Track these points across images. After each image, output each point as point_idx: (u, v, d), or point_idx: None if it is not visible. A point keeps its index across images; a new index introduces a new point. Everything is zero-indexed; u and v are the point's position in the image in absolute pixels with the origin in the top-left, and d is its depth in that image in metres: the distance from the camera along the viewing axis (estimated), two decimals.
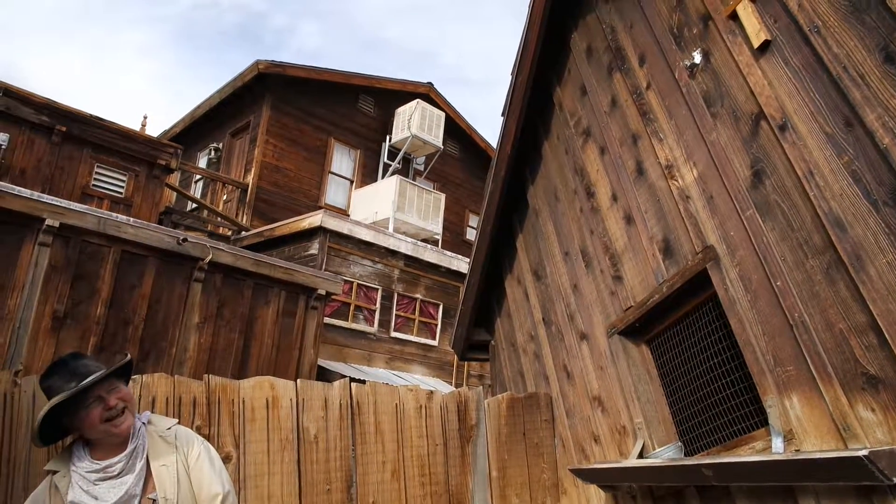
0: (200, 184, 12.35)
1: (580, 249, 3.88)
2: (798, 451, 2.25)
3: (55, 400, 1.98)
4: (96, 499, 1.96)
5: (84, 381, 2.01)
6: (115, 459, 2.01)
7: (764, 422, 2.54)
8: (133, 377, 2.81)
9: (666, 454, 3.02)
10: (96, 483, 1.98)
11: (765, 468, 2.22)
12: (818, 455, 2.03)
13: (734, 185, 2.63)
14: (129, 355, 2.21)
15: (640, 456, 3.16)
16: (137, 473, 2.02)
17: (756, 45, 2.48)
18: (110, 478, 1.99)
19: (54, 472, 2.04)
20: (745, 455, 2.52)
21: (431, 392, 3.79)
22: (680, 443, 3.08)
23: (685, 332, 3.07)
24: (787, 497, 2.29)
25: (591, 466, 3.40)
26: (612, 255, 3.54)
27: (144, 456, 2.07)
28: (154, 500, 2.00)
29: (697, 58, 2.87)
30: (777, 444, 2.35)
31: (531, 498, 3.86)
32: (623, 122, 3.44)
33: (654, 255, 3.15)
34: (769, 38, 2.43)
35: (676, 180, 2.99)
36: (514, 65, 4.21)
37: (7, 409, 2.72)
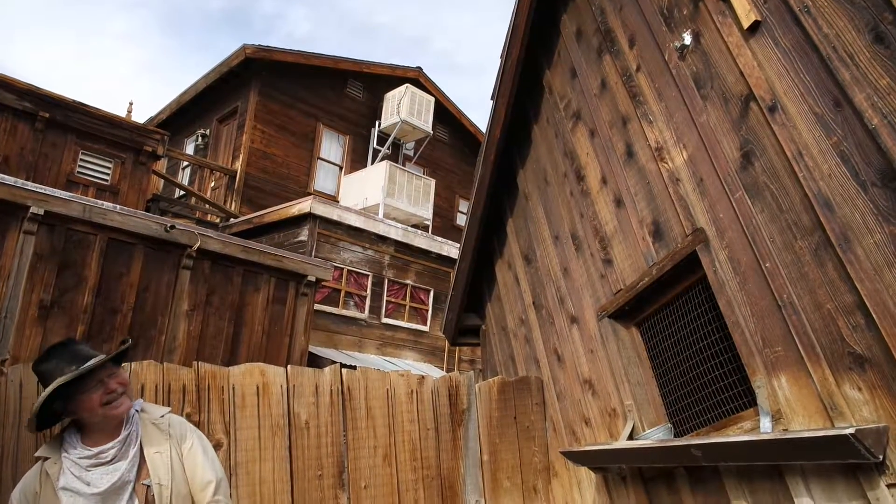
0: (188, 171, 12.23)
1: (570, 233, 3.88)
2: (786, 430, 2.27)
3: (60, 380, 1.98)
4: (89, 485, 1.96)
5: (88, 364, 2.02)
6: (108, 446, 2.01)
7: (752, 402, 2.56)
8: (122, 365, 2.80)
9: (656, 435, 3.05)
10: (89, 469, 1.99)
11: (753, 448, 2.24)
12: (806, 434, 2.05)
13: (724, 167, 2.62)
14: (129, 340, 2.23)
15: (631, 438, 3.18)
16: (130, 460, 2.03)
17: (746, 25, 2.46)
18: (103, 464, 1.99)
19: (45, 459, 2.04)
20: (734, 435, 2.54)
21: (423, 377, 3.79)
22: (670, 424, 3.11)
23: (675, 315, 3.08)
24: (774, 476, 2.32)
25: (581, 449, 3.42)
26: (602, 238, 3.54)
27: (138, 443, 2.07)
28: (148, 486, 2.01)
29: (687, 39, 2.85)
30: (765, 423, 2.36)
31: (522, 481, 3.89)
32: (613, 104, 3.43)
33: (644, 238, 3.15)
34: (759, 19, 2.42)
35: (666, 163, 2.99)
36: (504, 48, 4.17)
37: None
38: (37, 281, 4.97)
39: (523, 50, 4.08)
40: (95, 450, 2.00)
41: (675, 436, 3.06)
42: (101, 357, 2.06)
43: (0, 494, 2.60)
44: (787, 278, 2.29)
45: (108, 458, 2.00)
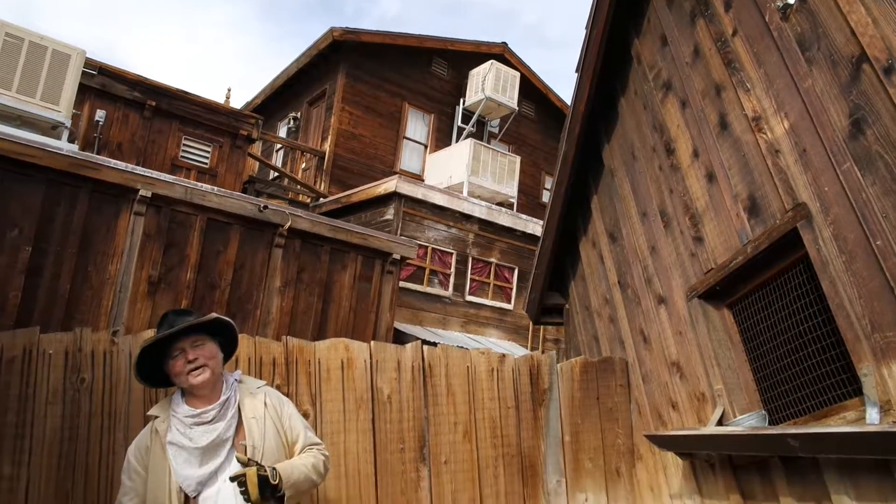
0: (281, 153, 12.71)
1: (658, 210, 3.72)
2: None
3: (143, 343, 2.26)
4: (191, 440, 2.17)
5: (163, 333, 2.24)
6: (210, 407, 2.22)
7: (857, 391, 2.37)
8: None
9: (748, 422, 2.89)
10: (191, 427, 2.19)
11: (858, 440, 2.08)
12: None
13: (830, 137, 2.41)
14: (214, 315, 2.37)
15: (720, 423, 3.04)
16: (228, 421, 2.23)
17: None
18: (204, 423, 2.20)
19: (155, 418, 2.28)
20: (836, 425, 2.37)
21: (503, 355, 3.78)
22: (763, 411, 2.94)
23: (771, 296, 2.89)
24: (881, 471, 2.14)
25: (668, 433, 3.31)
26: (692, 214, 3.36)
27: (236, 407, 2.28)
28: (244, 446, 2.21)
29: None
30: (872, 414, 2.19)
31: (605, 463, 3.81)
32: (706, 72, 3.23)
33: (739, 215, 2.97)
34: None
35: (764, 133, 2.79)
36: (589, 18, 4.02)
37: (106, 366, 2.93)
38: (146, 259, 5.34)
39: (610, 19, 3.90)
40: (198, 410, 2.21)
41: (769, 423, 2.90)
42: (176, 328, 2.23)
43: (114, 454, 2.83)
44: None
45: (209, 419, 2.20)
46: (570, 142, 4.39)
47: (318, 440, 2.46)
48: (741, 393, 3.06)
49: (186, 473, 2.14)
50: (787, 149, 2.66)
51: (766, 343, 2.95)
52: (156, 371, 2.31)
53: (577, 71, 4.23)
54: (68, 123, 6.11)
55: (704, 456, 3.16)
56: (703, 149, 3.25)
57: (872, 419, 2.19)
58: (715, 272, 3.13)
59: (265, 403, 2.35)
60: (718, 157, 3.12)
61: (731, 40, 3.02)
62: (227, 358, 2.48)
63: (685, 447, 3.18)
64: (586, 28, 4.05)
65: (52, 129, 6.02)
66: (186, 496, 2.14)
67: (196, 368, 2.22)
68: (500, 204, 10.77)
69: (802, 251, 2.58)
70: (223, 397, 2.25)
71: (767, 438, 2.55)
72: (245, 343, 3.15)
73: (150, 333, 3.03)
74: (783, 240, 2.68)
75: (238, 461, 2.09)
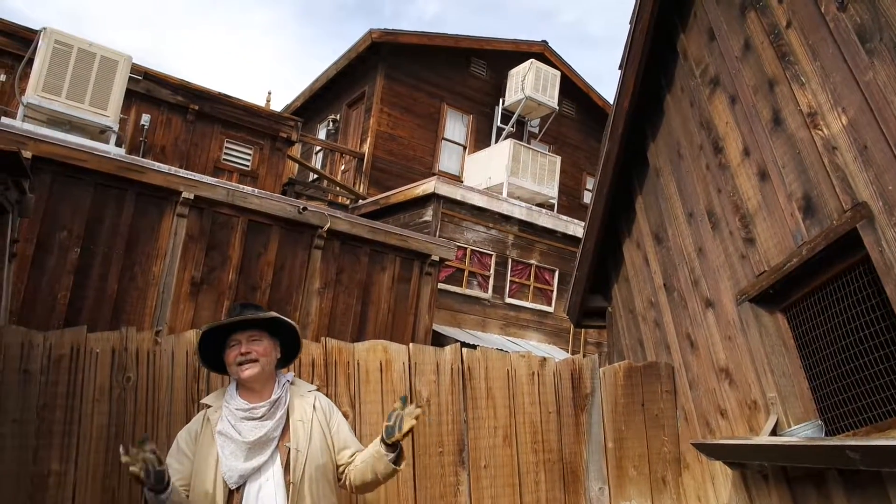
0: (320, 155, 12.85)
1: (706, 210, 3.59)
2: None
3: (202, 328, 2.33)
4: (240, 434, 2.19)
5: (221, 322, 2.32)
6: (261, 404, 2.24)
7: None
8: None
9: (804, 432, 2.76)
10: (241, 420, 2.22)
11: None
12: None
13: (894, 133, 2.28)
14: (274, 313, 2.40)
15: (773, 433, 2.91)
16: (276, 420, 2.24)
17: None
18: (254, 419, 2.22)
19: (208, 407, 2.33)
20: None
21: (544, 359, 3.71)
22: (820, 421, 2.80)
23: (829, 300, 2.75)
24: None
25: (717, 441, 3.19)
26: (742, 215, 3.23)
27: (285, 408, 2.29)
28: (288, 448, 2.22)
29: None
30: None
31: (650, 471, 3.70)
32: (758, 66, 3.10)
33: (793, 215, 2.84)
34: None
35: (821, 129, 2.65)
36: (633, 13, 3.91)
37: (150, 365, 2.97)
38: (188, 260, 5.43)
39: (654, 14, 3.79)
40: (250, 405, 2.23)
41: (826, 434, 2.76)
42: (233, 319, 2.29)
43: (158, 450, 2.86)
44: None
45: (259, 415, 2.22)
46: (613, 140, 4.29)
47: None
48: (796, 401, 2.92)
49: (231, 465, 2.16)
50: (844, 145, 2.53)
51: (822, 350, 2.81)
52: (218, 358, 2.37)
53: (620, 68, 4.13)
54: (116, 128, 6.28)
55: (757, 467, 3.03)
56: (754, 146, 3.13)
57: None
58: (768, 275, 2.99)
59: (314, 407, 2.36)
60: (771, 155, 2.99)
61: (784, 32, 2.90)
62: (289, 360, 2.51)
63: (735, 456, 3.06)
64: (630, 24, 3.95)
65: (101, 133, 6.19)
66: (229, 488, 2.16)
67: (247, 362, 2.25)
68: (540, 205, 10.65)
69: (863, 253, 2.45)
70: (274, 396, 2.28)
71: (825, 450, 2.42)
72: None
73: (191, 334, 3.06)
74: (841, 241, 2.54)
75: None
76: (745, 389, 3.23)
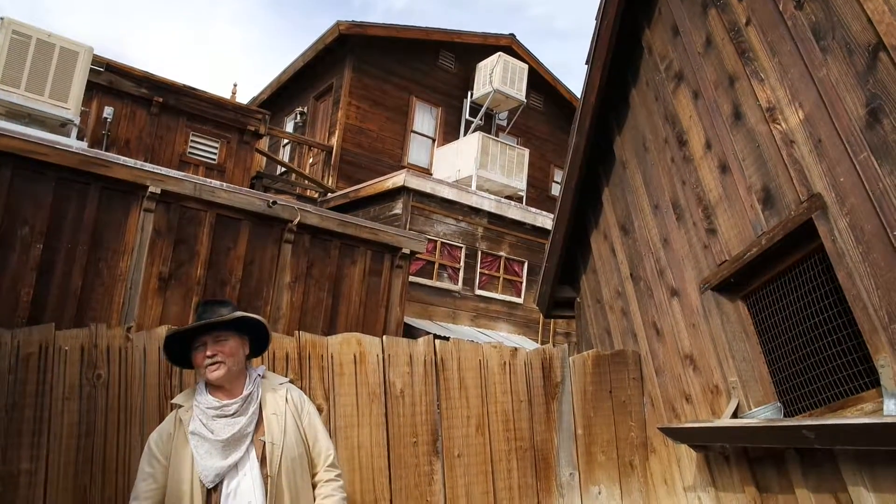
0: (288, 148, 12.72)
1: (671, 202, 3.70)
2: None
3: (168, 332, 2.34)
4: (213, 432, 2.20)
5: (182, 328, 2.33)
6: (232, 401, 2.25)
7: (874, 382, 2.36)
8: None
9: (763, 414, 2.88)
10: (214, 419, 2.22)
11: (875, 431, 2.06)
12: None
13: (846, 127, 2.39)
14: (240, 313, 2.36)
15: (735, 416, 3.03)
16: (249, 416, 2.25)
17: None
18: (226, 416, 2.22)
19: (179, 407, 2.32)
20: (853, 417, 2.36)
21: (515, 349, 3.78)
22: (779, 403, 2.93)
23: (786, 288, 2.87)
24: None
25: (682, 426, 3.30)
26: (705, 206, 3.34)
27: (257, 403, 2.30)
28: (264, 442, 2.23)
29: None
30: (890, 406, 2.17)
31: (618, 455, 3.81)
32: (719, 63, 3.20)
33: (753, 206, 2.95)
34: None
35: (779, 124, 2.76)
36: (599, 8, 3.99)
37: (121, 362, 2.94)
38: (156, 255, 5.36)
39: (620, 9, 3.87)
40: (221, 402, 2.24)
41: (784, 415, 2.88)
42: (198, 323, 2.28)
43: (131, 448, 2.85)
44: None
45: (231, 412, 2.23)
46: (580, 134, 4.37)
47: (335, 460, 2.44)
48: (756, 385, 3.05)
49: (207, 464, 2.16)
50: (801, 139, 2.63)
51: (781, 335, 2.93)
52: (184, 355, 2.37)
53: (587, 62, 4.21)
54: (77, 121, 6.14)
55: (719, 448, 3.15)
56: (716, 140, 3.23)
57: (890, 410, 2.17)
58: (729, 264, 3.11)
59: (286, 400, 2.37)
60: (732, 148, 3.09)
61: (744, 29, 2.99)
62: (257, 353, 2.51)
63: (700, 440, 3.17)
64: (596, 19, 4.02)
65: (61, 126, 6.05)
66: (207, 488, 2.16)
67: (213, 364, 2.26)
68: (509, 197, 10.74)
69: (818, 242, 2.56)
70: (246, 392, 2.29)
71: (783, 430, 2.53)
72: None
73: (163, 330, 3.04)
74: (798, 231, 2.65)
75: None
76: (708, 374, 3.35)
